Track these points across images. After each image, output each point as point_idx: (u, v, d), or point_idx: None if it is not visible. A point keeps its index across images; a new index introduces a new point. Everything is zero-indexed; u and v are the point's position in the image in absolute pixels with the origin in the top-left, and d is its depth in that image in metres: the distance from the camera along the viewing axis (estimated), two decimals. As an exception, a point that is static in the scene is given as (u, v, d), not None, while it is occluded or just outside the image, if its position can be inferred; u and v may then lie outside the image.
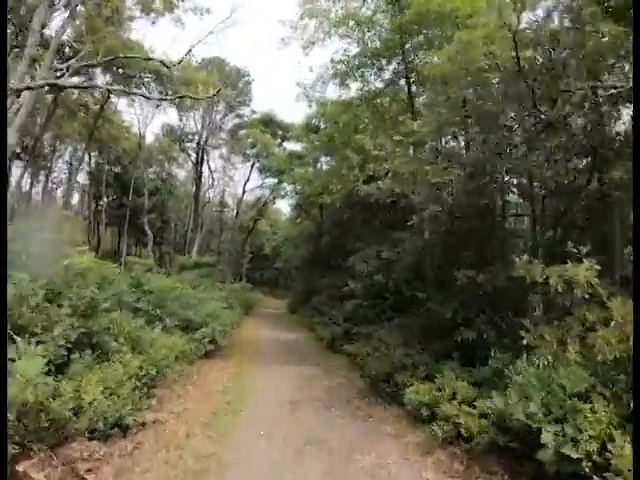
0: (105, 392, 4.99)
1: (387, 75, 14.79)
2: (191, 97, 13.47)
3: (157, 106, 25.80)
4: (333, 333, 12.51)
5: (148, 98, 13.37)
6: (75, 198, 41.59)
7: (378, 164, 10.84)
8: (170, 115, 52.07)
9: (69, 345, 5.35)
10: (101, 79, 21.74)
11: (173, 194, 41.13)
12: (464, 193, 8.10)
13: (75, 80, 10.81)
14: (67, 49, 17.12)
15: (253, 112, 32.99)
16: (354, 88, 14.84)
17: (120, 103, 30.14)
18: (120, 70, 17.67)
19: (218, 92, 11.57)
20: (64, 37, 16.25)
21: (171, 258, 33.48)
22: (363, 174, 11.82)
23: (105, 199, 34.67)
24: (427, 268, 9.73)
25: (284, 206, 57.36)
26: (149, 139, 36.64)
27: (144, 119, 30.00)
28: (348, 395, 7.50)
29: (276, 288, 44.74)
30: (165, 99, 14.89)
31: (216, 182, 36.10)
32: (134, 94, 12.88)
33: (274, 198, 34.75)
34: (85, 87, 11.41)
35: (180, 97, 12.91)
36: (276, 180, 31.28)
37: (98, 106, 22.50)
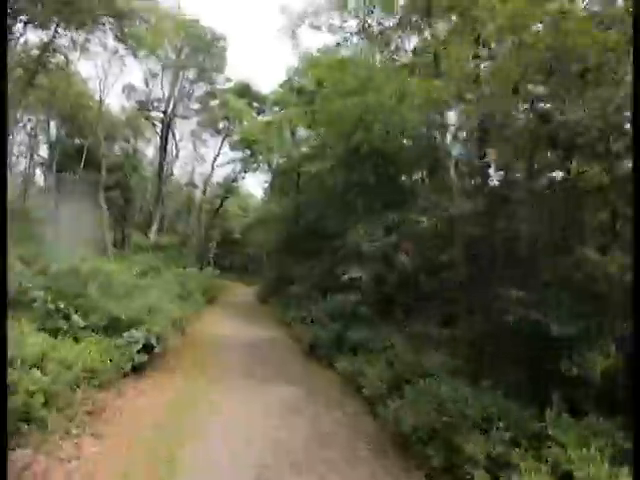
0: None
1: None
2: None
3: (114, 53, 21.69)
4: (317, 337, 9.46)
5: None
6: (38, 173, 37.27)
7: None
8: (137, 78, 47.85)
9: None
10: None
11: (138, 171, 37.44)
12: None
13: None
14: None
15: (228, 80, 29.75)
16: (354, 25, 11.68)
17: (80, 67, 26.30)
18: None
19: None
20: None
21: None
22: None
23: (60, 173, 30.41)
24: (458, 243, 7.09)
25: (255, 188, 53.89)
26: (115, 110, 32.85)
27: (104, 80, 26.24)
28: (357, 454, 4.65)
29: (245, 274, 41.97)
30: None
31: (184, 159, 32.65)
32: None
33: (245, 172, 31.44)
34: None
35: None
36: (248, 152, 28.16)
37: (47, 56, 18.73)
